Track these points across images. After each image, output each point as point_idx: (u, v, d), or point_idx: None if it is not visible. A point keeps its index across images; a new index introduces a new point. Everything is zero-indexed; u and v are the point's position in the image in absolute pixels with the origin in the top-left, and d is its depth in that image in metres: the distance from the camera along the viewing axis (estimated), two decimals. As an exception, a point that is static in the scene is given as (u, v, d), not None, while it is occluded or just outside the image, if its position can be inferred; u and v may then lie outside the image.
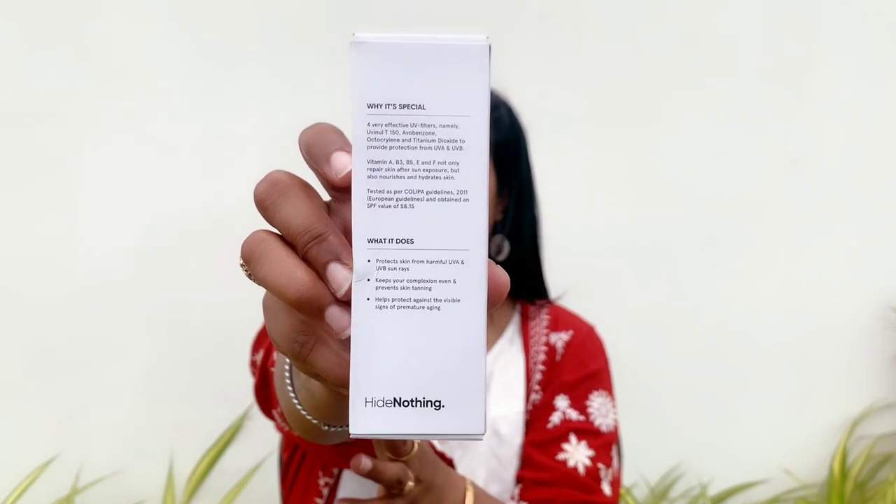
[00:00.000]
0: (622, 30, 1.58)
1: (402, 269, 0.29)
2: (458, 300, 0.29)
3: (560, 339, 0.85)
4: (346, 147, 0.30)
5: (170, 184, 1.49)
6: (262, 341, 0.76)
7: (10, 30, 1.42)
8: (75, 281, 1.47)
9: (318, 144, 0.30)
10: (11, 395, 1.47)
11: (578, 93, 1.57)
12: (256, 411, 1.51)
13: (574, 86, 1.57)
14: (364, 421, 0.29)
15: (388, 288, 0.29)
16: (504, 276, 0.30)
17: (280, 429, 0.76)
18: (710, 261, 1.64)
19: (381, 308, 0.29)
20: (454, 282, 0.29)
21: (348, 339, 0.30)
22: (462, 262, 0.29)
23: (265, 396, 0.72)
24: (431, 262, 0.29)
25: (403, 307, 0.29)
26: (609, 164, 1.60)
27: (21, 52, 1.43)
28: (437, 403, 0.29)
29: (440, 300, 0.29)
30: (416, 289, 0.29)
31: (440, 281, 0.29)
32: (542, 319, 0.88)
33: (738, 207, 1.63)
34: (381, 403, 0.29)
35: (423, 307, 0.29)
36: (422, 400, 0.29)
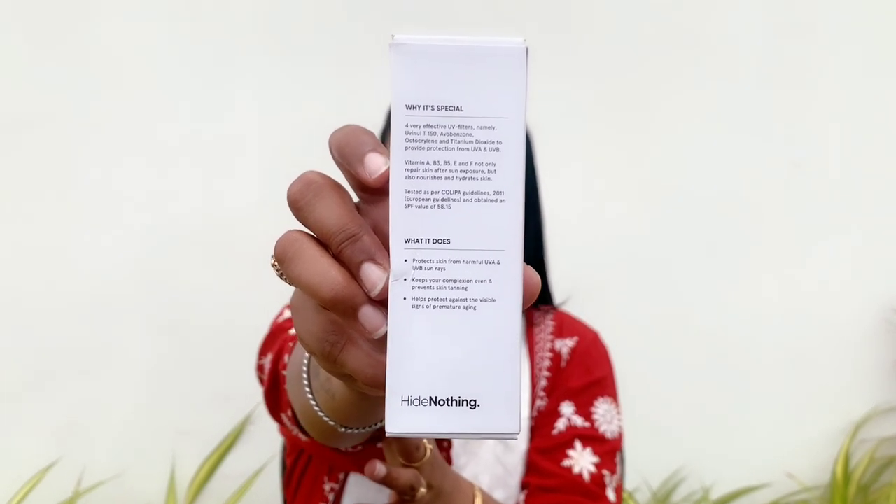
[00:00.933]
0: (623, 33, 1.58)
1: (439, 268, 0.29)
2: (494, 300, 0.30)
3: (565, 345, 0.85)
4: (378, 148, 0.30)
5: (171, 187, 1.49)
6: (270, 345, 0.75)
7: (11, 34, 1.42)
8: (77, 285, 1.46)
9: (352, 145, 0.30)
10: (14, 398, 1.47)
11: (579, 97, 1.57)
12: (258, 415, 1.51)
13: (575, 90, 1.57)
14: (400, 420, 0.29)
15: (424, 287, 0.29)
16: (536, 277, 0.31)
17: (286, 433, 0.76)
18: (712, 264, 1.64)
19: (417, 307, 0.29)
20: (490, 282, 0.30)
21: (378, 339, 0.30)
22: (498, 263, 0.30)
23: (275, 400, 0.72)
24: (468, 262, 0.30)
25: (440, 307, 0.29)
26: (611, 168, 1.61)
27: (23, 56, 1.43)
28: (473, 402, 0.30)
29: (476, 300, 0.30)
30: (452, 288, 0.29)
31: (476, 281, 0.30)
32: (547, 325, 0.88)
33: (740, 211, 1.63)
34: (417, 402, 0.29)
35: (460, 307, 0.30)
36: (457, 399, 0.30)
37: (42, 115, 1.44)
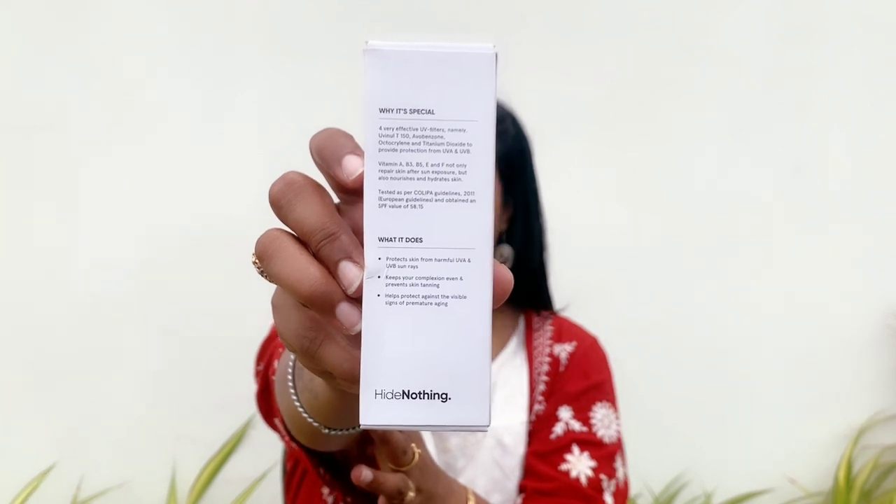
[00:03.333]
0: (626, 38, 1.59)
1: (412, 266, 0.30)
2: (465, 297, 0.31)
3: (564, 350, 0.86)
4: (356, 151, 0.31)
5: (172, 193, 1.49)
6: (265, 352, 0.76)
7: (13, 38, 1.43)
8: (77, 290, 1.47)
9: (330, 148, 0.32)
10: (14, 405, 1.47)
11: (581, 101, 1.58)
12: (260, 420, 1.51)
13: (577, 94, 1.57)
14: (374, 412, 0.30)
15: (397, 285, 0.30)
16: (508, 275, 0.32)
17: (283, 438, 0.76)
18: (714, 269, 1.64)
19: (390, 304, 0.30)
20: (461, 279, 0.31)
21: (356, 335, 0.31)
22: (468, 261, 0.31)
23: (266, 405, 0.73)
24: (439, 260, 0.31)
25: (412, 303, 0.30)
26: (613, 173, 1.61)
27: (24, 60, 1.44)
28: (444, 396, 0.30)
29: (447, 297, 0.31)
30: (424, 285, 0.30)
31: (447, 278, 0.31)
32: (546, 330, 0.88)
33: (742, 215, 1.63)
34: (390, 395, 0.30)
35: (431, 303, 0.30)
36: (429, 392, 0.30)
37: (43, 120, 1.45)
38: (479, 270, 0.31)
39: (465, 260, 0.31)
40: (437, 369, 0.30)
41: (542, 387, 0.83)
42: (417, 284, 0.30)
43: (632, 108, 1.60)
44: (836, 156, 1.65)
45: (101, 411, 1.49)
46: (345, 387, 0.34)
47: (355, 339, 0.31)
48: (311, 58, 1.51)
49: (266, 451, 1.45)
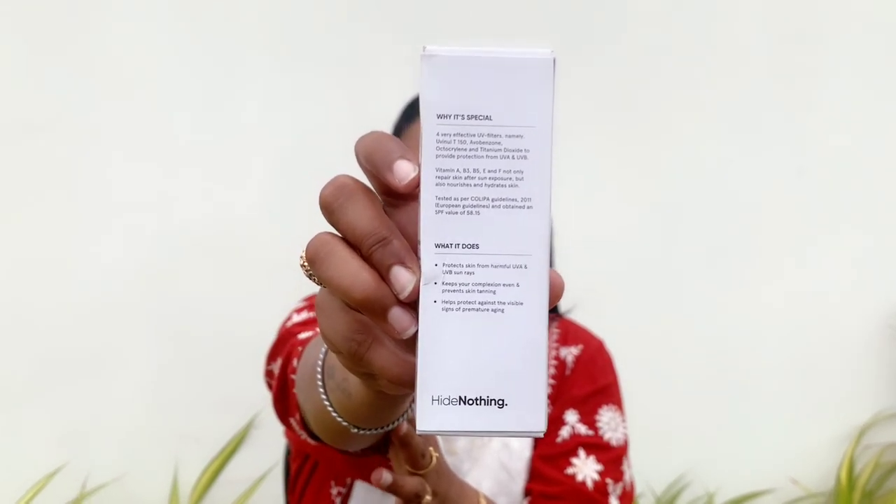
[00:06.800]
0: (629, 40, 1.59)
1: (468, 272, 0.30)
2: (521, 303, 0.31)
3: (570, 353, 0.86)
4: (406, 155, 0.31)
5: (176, 193, 1.49)
6: (279, 351, 0.76)
7: (15, 40, 1.43)
8: (81, 290, 1.47)
9: (380, 152, 0.31)
10: (18, 403, 1.47)
11: (583, 103, 1.57)
12: (262, 420, 1.51)
13: (579, 96, 1.57)
14: (431, 418, 0.30)
15: (454, 291, 0.30)
16: (560, 279, 0.32)
17: (293, 438, 0.76)
18: (716, 271, 1.64)
19: (447, 310, 0.30)
20: (517, 285, 0.31)
21: (406, 339, 0.31)
22: (525, 267, 0.31)
23: (284, 405, 0.73)
24: (496, 267, 0.30)
25: (469, 309, 0.30)
26: (615, 175, 1.61)
27: (28, 62, 1.44)
28: (501, 402, 0.31)
29: (504, 303, 0.31)
30: (480, 292, 0.30)
31: (504, 284, 0.30)
32: (552, 333, 0.88)
33: (744, 218, 1.64)
34: (447, 402, 0.30)
35: (488, 309, 0.30)
36: (486, 398, 0.30)
37: (46, 121, 1.44)
38: (536, 277, 0.31)
39: (521, 266, 0.31)
40: (494, 375, 0.30)
41: (548, 390, 0.83)
42: (474, 291, 0.30)
43: (636, 112, 1.60)
44: (838, 158, 1.66)
45: (104, 411, 1.49)
46: (389, 389, 0.34)
47: (404, 343, 0.31)
48: (313, 61, 1.51)
49: (268, 451, 1.45)
